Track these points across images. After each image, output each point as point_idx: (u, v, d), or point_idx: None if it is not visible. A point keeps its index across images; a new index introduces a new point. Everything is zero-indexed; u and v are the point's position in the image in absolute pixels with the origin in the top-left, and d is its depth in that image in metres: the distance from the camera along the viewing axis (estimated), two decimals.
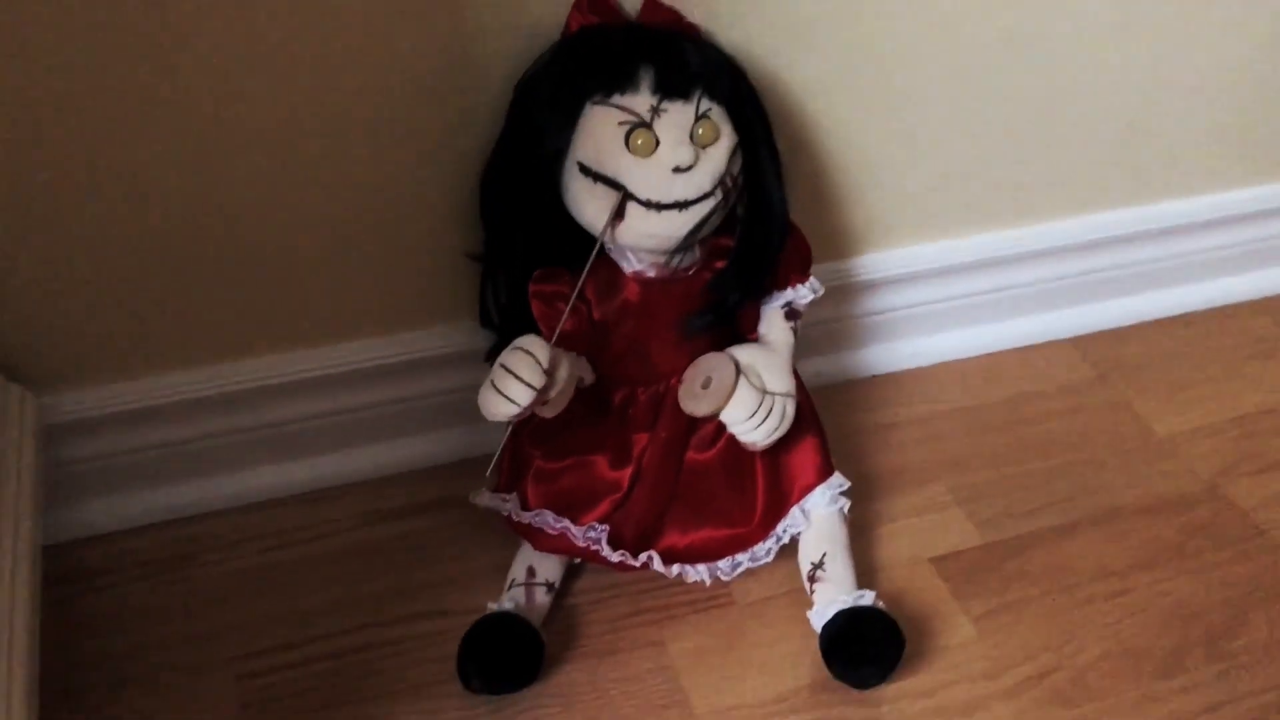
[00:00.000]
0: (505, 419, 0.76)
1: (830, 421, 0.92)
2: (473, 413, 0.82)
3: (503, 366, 0.75)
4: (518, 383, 0.74)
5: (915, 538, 0.95)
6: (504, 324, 0.88)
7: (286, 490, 0.96)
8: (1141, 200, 1.12)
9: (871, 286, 1.06)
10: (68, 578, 0.89)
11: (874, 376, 1.11)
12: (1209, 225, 1.15)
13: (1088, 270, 1.14)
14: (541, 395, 0.76)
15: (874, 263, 1.05)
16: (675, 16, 0.83)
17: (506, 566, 0.88)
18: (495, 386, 0.75)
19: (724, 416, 0.81)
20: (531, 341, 0.76)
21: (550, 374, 0.76)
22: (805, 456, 0.87)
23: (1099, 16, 0.98)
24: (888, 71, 0.95)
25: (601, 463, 0.87)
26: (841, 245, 1.03)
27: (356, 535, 0.94)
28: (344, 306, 0.92)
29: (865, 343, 1.10)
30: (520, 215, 0.82)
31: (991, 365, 1.13)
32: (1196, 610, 0.89)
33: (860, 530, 0.93)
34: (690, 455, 0.87)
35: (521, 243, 0.83)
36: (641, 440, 0.86)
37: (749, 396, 0.80)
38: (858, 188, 1.01)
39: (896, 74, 0.95)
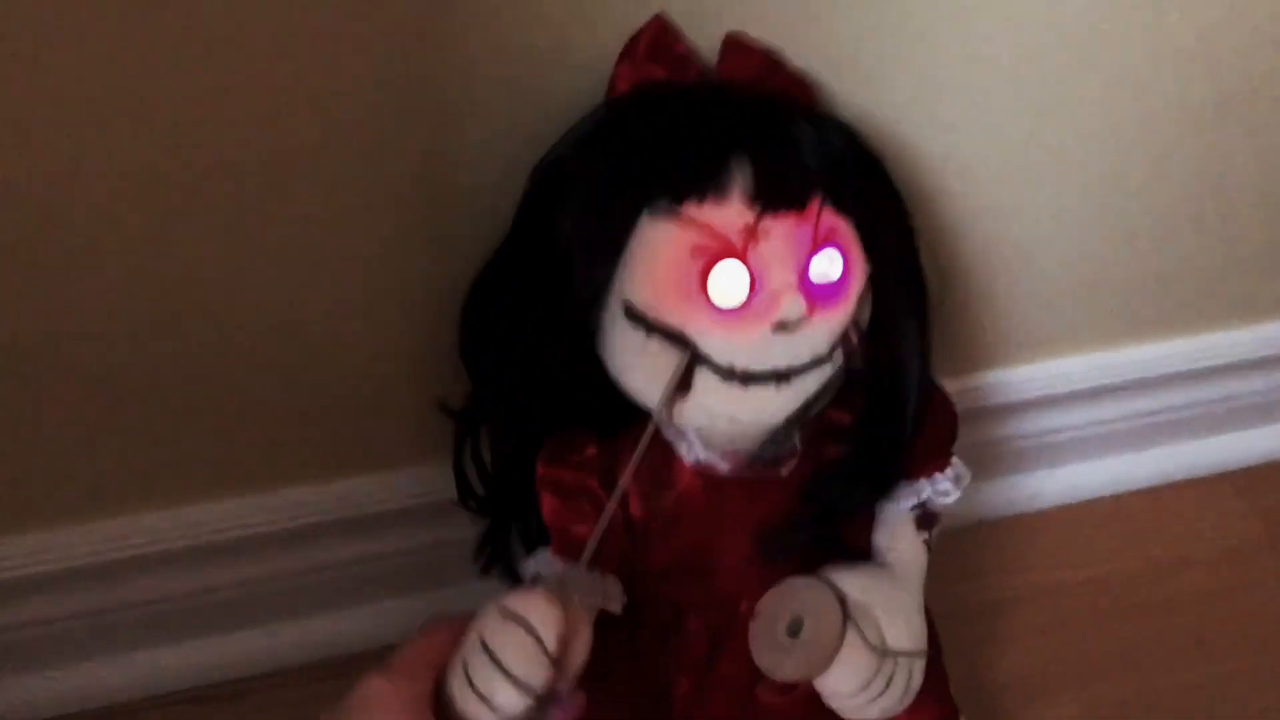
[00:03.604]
0: None
1: (928, 595, 0.64)
2: (433, 574, 0.61)
3: (485, 650, 0.46)
4: (507, 683, 0.45)
5: None
6: (494, 499, 0.60)
7: (185, 682, 0.70)
8: None
9: (987, 412, 0.79)
10: None
11: (980, 524, 0.83)
12: None
13: (1250, 392, 0.87)
14: (544, 698, 0.47)
15: (991, 385, 0.78)
16: (771, 65, 0.54)
17: None
18: (472, 685, 0.46)
19: (822, 685, 0.54)
20: (534, 605, 0.46)
21: (559, 661, 0.46)
22: (921, 699, 0.59)
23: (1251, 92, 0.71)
24: (1024, 157, 0.68)
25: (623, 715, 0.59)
26: (949, 364, 0.76)
27: None
28: (271, 448, 0.65)
29: (973, 481, 0.82)
30: (528, 366, 0.54)
31: (1131, 513, 0.86)
32: None
33: None
34: (761, 696, 0.59)
35: (524, 399, 0.55)
36: (684, 684, 0.59)
37: (861, 660, 0.53)
38: (977, 296, 0.74)
39: (1028, 161, 0.68)
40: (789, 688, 0.59)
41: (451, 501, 0.63)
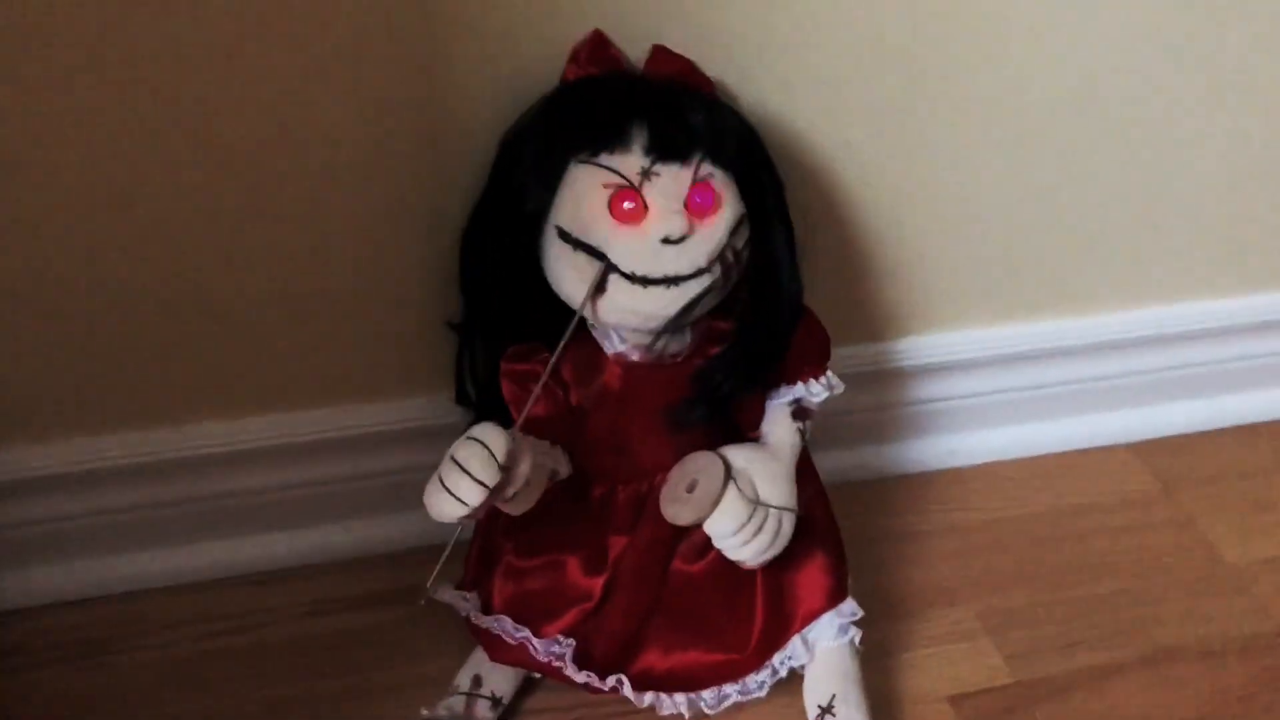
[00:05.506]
0: (452, 520, 0.65)
1: (850, 525, 0.80)
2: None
3: (453, 460, 0.65)
4: (468, 480, 0.64)
5: (935, 670, 0.83)
6: (481, 401, 0.78)
7: (227, 571, 0.87)
8: (1217, 294, 1.00)
9: (908, 374, 0.95)
10: None
11: (903, 476, 0.99)
12: None
13: (1154, 368, 1.01)
14: (496, 494, 0.65)
15: (913, 348, 0.94)
16: (687, 68, 0.73)
17: None
18: (443, 483, 0.64)
19: (708, 528, 0.70)
20: (487, 431, 0.66)
21: (509, 469, 0.65)
22: (814, 576, 0.75)
23: (1165, 91, 0.87)
24: (931, 138, 0.84)
25: (574, 565, 0.76)
26: (876, 327, 0.92)
27: (299, 627, 0.84)
28: (302, 372, 0.83)
29: (896, 437, 0.98)
30: (498, 283, 0.73)
31: (1039, 470, 1.00)
32: None
33: (873, 656, 0.81)
34: (677, 565, 0.76)
35: (499, 313, 0.74)
36: (619, 544, 0.76)
37: (738, 507, 0.69)
38: (900, 264, 0.90)
39: (942, 140, 0.85)
40: (699, 554, 0.75)
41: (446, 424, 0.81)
